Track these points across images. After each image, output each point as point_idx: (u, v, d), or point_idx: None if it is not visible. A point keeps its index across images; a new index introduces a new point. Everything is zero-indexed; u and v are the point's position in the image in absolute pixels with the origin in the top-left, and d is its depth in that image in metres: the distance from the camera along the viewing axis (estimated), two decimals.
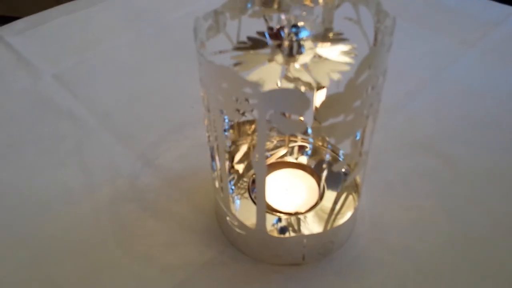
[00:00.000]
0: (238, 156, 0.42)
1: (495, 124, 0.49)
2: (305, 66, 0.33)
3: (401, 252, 0.37)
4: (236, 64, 0.32)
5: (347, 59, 0.32)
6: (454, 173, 0.44)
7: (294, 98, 0.26)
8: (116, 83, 0.55)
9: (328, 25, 0.37)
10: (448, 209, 0.41)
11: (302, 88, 0.30)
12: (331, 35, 0.34)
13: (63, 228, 0.39)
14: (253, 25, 0.35)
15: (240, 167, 0.41)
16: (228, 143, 0.43)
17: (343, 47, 0.33)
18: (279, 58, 0.32)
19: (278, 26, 0.32)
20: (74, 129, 0.49)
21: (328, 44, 0.34)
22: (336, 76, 0.31)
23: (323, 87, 0.41)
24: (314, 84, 0.31)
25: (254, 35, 0.34)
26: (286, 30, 0.32)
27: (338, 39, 0.33)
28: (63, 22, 0.64)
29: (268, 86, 0.30)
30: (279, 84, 0.31)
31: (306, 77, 0.31)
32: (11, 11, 0.97)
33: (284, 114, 0.29)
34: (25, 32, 0.62)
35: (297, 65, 0.32)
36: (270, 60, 0.33)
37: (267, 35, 0.33)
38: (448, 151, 0.46)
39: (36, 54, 0.59)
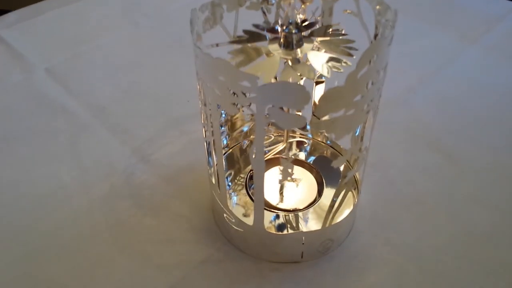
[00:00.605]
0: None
1: (498, 119, 0.48)
2: (304, 59, 0.32)
3: (402, 250, 0.37)
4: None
5: (325, 70, 0.31)
6: (455, 169, 0.43)
7: (293, 92, 0.26)
8: (111, 77, 0.54)
9: (328, 18, 0.36)
10: (450, 206, 0.40)
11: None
12: (329, 31, 0.33)
13: (57, 225, 0.39)
14: (250, 17, 0.34)
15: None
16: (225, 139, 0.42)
17: (334, 57, 0.32)
18: (278, 50, 0.31)
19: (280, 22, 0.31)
20: (68, 124, 0.48)
21: (323, 50, 0.32)
22: (338, 70, 0.30)
23: (323, 81, 0.40)
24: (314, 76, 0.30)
25: (251, 28, 0.33)
26: (280, 23, 0.31)
27: (335, 34, 0.32)
28: (57, 14, 0.63)
29: (267, 79, 0.29)
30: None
31: (307, 70, 0.30)
32: (3, 4, 0.95)
33: (282, 109, 0.28)
34: (17, 25, 0.61)
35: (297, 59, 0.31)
36: (270, 53, 0.32)
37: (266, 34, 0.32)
38: (450, 146, 0.45)
39: (29, 47, 0.58)
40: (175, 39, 0.59)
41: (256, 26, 0.32)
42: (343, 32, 0.33)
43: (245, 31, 0.33)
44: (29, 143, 0.46)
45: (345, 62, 0.31)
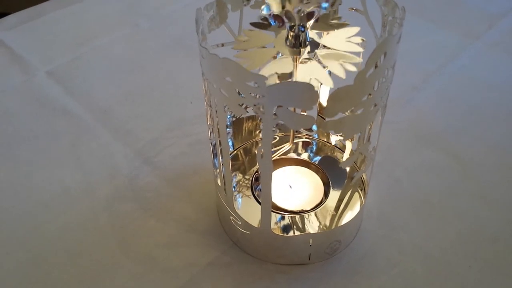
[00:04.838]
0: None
1: (503, 116, 0.48)
2: (316, 58, 0.32)
3: (410, 250, 0.36)
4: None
5: (355, 47, 0.31)
6: (462, 168, 0.43)
7: (301, 92, 0.25)
8: (113, 79, 0.53)
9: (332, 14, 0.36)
10: (457, 205, 0.40)
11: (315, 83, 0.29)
12: (330, 21, 0.33)
13: (61, 229, 0.38)
14: (255, 18, 0.33)
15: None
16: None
17: (347, 32, 0.32)
18: (284, 50, 0.31)
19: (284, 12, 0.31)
20: (70, 127, 0.47)
21: (330, 31, 0.32)
22: (351, 68, 0.30)
23: None
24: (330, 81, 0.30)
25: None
26: (293, 16, 0.31)
27: (338, 24, 0.32)
28: (57, 16, 0.62)
29: (261, 68, 0.29)
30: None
31: (318, 72, 0.30)
32: (2, 7, 0.94)
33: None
34: (17, 27, 0.60)
35: (306, 57, 0.31)
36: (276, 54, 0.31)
37: (271, 21, 0.31)
38: (455, 145, 0.45)
39: (29, 50, 0.57)
40: (176, 40, 0.58)
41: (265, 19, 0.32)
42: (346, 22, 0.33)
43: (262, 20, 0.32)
44: (31, 147, 0.45)
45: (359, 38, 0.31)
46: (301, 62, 0.31)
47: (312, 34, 0.32)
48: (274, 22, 0.31)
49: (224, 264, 0.36)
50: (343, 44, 0.31)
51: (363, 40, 0.32)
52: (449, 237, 0.37)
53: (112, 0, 0.66)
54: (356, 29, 0.32)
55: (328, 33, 0.33)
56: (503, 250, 0.36)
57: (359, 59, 0.30)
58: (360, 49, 0.31)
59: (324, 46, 0.32)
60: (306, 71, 0.31)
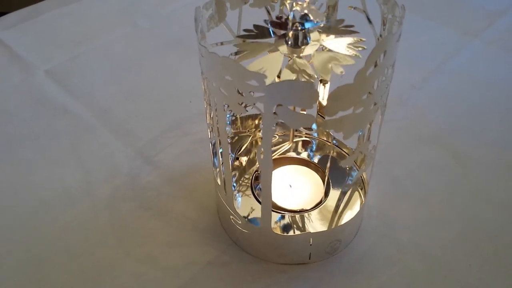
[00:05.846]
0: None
1: (502, 114, 0.48)
2: (308, 58, 0.32)
3: (410, 249, 0.36)
4: (237, 53, 0.30)
5: (353, 52, 0.31)
6: (462, 167, 0.43)
7: (301, 91, 0.25)
8: (112, 78, 0.53)
9: (332, 13, 0.35)
10: (457, 204, 0.40)
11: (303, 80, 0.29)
12: (340, 26, 0.33)
13: (62, 229, 0.38)
14: (253, 15, 0.33)
15: (243, 160, 0.40)
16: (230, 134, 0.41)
17: (350, 39, 0.32)
18: (284, 48, 0.31)
19: (284, 16, 0.31)
20: (70, 126, 0.47)
21: (333, 36, 0.32)
22: (338, 70, 0.30)
23: (327, 81, 0.40)
24: (315, 77, 0.29)
25: (254, 26, 0.33)
26: (290, 20, 0.31)
27: (346, 30, 0.32)
28: (56, 15, 0.62)
29: (270, 76, 0.29)
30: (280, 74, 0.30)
31: (309, 70, 0.30)
32: (1, 6, 0.94)
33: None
34: (16, 26, 0.60)
35: (300, 56, 0.31)
36: (273, 50, 0.31)
37: (269, 25, 0.32)
38: (455, 143, 0.45)
39: (28, 49, 0.57)
40: (176, 39, 0.58)
41: (266, 22, 0.32)
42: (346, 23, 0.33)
43: (255, 26, 0.32)
44: (31, 146, 0.45)
45: (361, 45, 0.31)
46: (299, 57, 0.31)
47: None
48: (274, 34, 0.31)
49: (224, 263, 0.36)
50: (342, 49, 0.31)
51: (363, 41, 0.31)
52: (449, 236, 0.37)
53: None
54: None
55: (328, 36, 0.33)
56: (503, 248, 0.36)
57: (352, 61, 0.30)
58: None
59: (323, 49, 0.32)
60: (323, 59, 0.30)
